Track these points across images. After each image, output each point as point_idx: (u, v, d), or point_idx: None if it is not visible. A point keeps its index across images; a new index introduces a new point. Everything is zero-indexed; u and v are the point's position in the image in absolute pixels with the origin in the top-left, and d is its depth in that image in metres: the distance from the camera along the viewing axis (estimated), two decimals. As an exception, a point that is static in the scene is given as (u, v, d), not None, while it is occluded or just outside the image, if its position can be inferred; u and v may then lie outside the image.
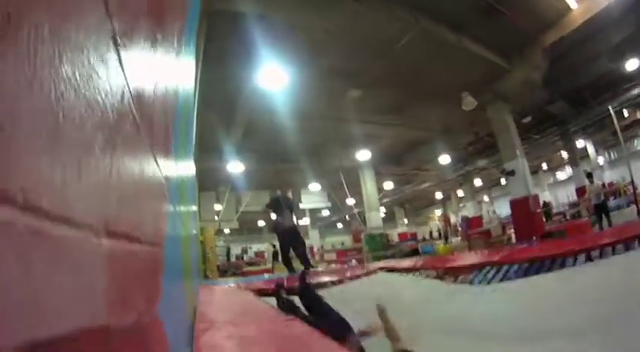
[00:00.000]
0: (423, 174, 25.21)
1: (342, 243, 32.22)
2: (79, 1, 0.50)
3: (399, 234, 30.30)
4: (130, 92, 0.75)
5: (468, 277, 6.33)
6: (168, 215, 1.41)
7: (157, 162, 1.08)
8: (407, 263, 8.91)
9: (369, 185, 19.86)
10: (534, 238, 11.12)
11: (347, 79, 11.72)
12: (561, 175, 32.04)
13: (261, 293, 5.12)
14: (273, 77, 10.10)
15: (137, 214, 0.82)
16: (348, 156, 18.19)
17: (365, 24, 9.35)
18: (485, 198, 36.90)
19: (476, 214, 25.06)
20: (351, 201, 23.91)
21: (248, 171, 17.52)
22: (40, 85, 0.39)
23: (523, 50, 11.81)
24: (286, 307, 4.44)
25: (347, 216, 30.29)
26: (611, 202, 17.81)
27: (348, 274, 7.41)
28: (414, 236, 28.84)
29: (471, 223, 19.89)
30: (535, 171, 26.91)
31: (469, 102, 12.77)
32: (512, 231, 14.21)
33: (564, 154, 24.28)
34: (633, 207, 12.50)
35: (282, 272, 10.68)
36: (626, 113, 18.82)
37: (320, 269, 10.99)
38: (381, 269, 8.19)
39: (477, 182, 31.62)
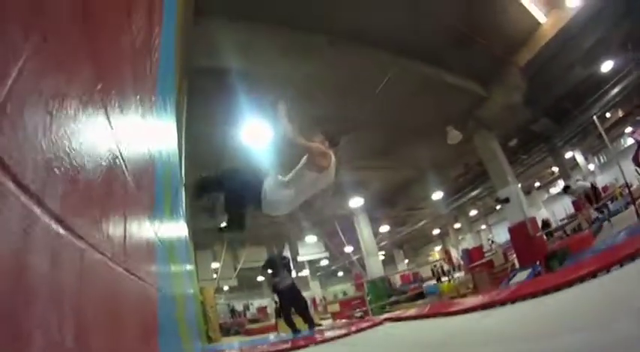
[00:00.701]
0: (417, 213, 25.15)
1: (345, 293, 31.71)
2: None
3: (401, 276, 29.93)
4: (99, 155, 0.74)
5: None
6: (161, 277, 1.36)
7: (146, 224, 1.06)
8: (413, 311, 8.73)
9: (364, 231, 19.75)
10: (538, 263, 10.98)
11: (331, 126, 11.76)
12: (554, 190, 32.06)
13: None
14: (256, 133, 10.12)
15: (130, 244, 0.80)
16: (342, 203, 18.16)
17: (344, 68, 9.50)
18: (483, 227, 36.73)
19: (476, 244, 24.88)
20: (348, 249, 23.73)
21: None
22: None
23: (500, 74, 11.95)
24: None
25: (347, 263, 30.02)
26: (610, 207, 17.77)
27: (354, 328, 7.24)
28: (416, 277, 28.40)
29: (471, 255, 19.68)
30: (528, 191, 26.99)
31: (454, 135, 12.87)
32: (515, 256, 14.05)
33: (555, 169, 24.39)
34: (632, 208, 12.34)
35: (286, 332, 10.44)
36: (608, 114, 18.99)
37: (324, 326, 10.78)
38: (387, 320, 8.02)
39: (473, 212, 31.61)
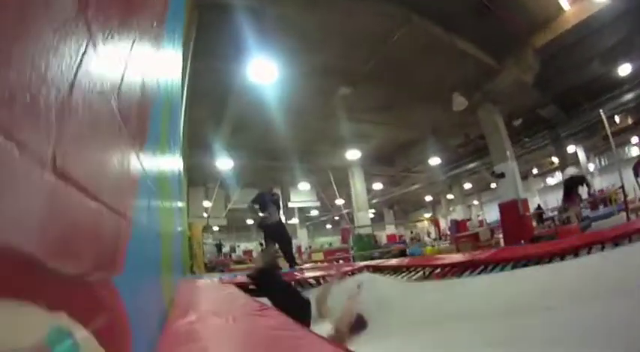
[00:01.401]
0: (412, 175, 25.23)
1: (330, 244, 32.21)
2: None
3: (388, 236, 30.33)
4: (103, 69, 0.75)
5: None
6: (141, 197, 1.37)
7: (131, 143, 1.06)
8: (393, 262, 8.88)
9: (358, 185, 19.85)
10: (522, 242, 11.13)
11: (338, 76, 11.67)
12: (551, 181, 32.16)
13: (242, 286, 5.08)
14: (263, 70, 10.06)
15: (97, 173, 0.79)
16: (338, 155, 18.18)
17: (356, 21, 9.36)
18: (475, 202, 37.03)
19: (466, 217, 25.14)
20: (340, 201, 23.92)
21: (237, 168, 17.47)
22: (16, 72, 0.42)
23: (514, 51, 11.76)
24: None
25: (336, 217, 30.29)
26: (600, 210, 17.89)
27: (333, 272, 7.35)
28: (402, 238, 28.81)
29: (459, 226, 19.93)
30: (525, 176, 27.00)
31: (460, 102, 12.75)
32: (501, 235, 14.23)
33: (555, 159, 24.33)
34: (623, 214, 12.44)
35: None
36: (617, 119, 18.85)
37: (305, 266, 10.92)
38: (367, 268, 8.14)
39: (467, 186, 31.77)
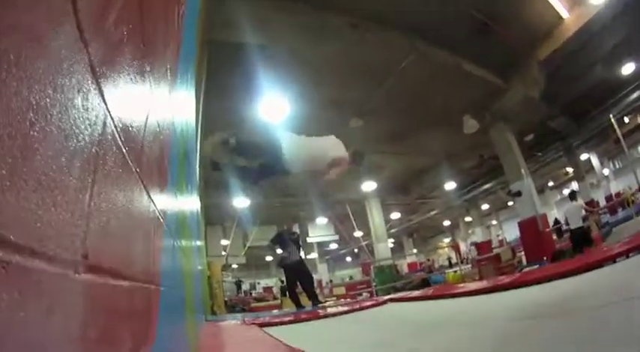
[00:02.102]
0: (429, 202, 25.09)
1: (351, 277, 31.90)
2: (54, 30, 0.48)
3: (409, 264, 30.01)
4: (114, 125, 0.72)
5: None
6: (166, 252, 1.36)
7: (149, 196, 1.04)
8: (417, 293, 8.75)
9: (375, 216, 19.78)
10: (545, 259, 10.93)
11: (348, 108, 11.76)
12: (568, 191, 31.66)
13: (263, 326, 5.02)
14: (275, 108, 10.18)
15: (125, 249, 0.78)
16: (354, 187, 18.17)
17: (364, 51, 9.48)
18: (494, 222, 36.57)
19: (485, 239, 24.84)
20: (358, 233, 23.78)
21: (254, 206, 17.51)
22: (16, 118, 0.37)
23: (519, 67, 11.82)
24: None
25: (355, 249, 30.08)
26: (619, 214, 17.56)
27: (357, 306, 7.26)
28: (423, 266, 28.49)
29: (480, 249, 19.68)
30: (541, 190, 26.68)
31: (471, 125, 12.75)
32: (523, 253, 14.00)
33: (569, 169, 24.07)
34: None
35: (290, 308, 10.51)
36: (626, 119, 18.62)
37: (328, 303, 10.81)
38: (391, 300, 8.02)
39: (485, 206, 31.45)
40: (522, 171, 13.07)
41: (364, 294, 17.01)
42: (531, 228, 12.51)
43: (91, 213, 0.56)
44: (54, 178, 0.44)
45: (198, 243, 5.62)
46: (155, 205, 1.13)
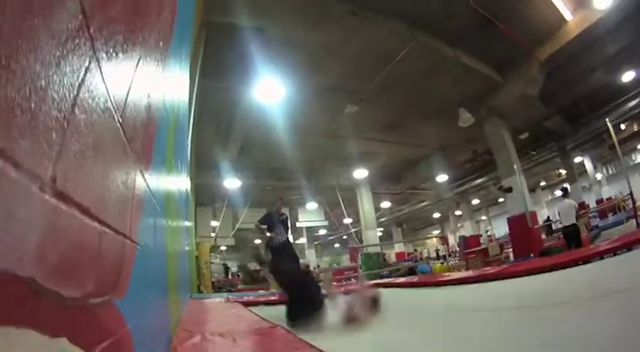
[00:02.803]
0: (420, 193, 25.15)
1: (339, 263, 32.01)
2: (55, 10, 0.50)
3: (397, 254, 30.15)
4: (107, 88, 0.75)
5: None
6: (147, 217, 1.37)
7: (136, 164, 1.06)
8: (402, 280, 8.82)
9: (366, 203, 19.81)
10: (532, 255, 11.01)
11: (344, 95, 11.71)
12: (560, 192, 31.77)
13: (248, 304, 5.06)
14: (270, 90, 10.14)
15: (97, 192, 0.78)
16: (345, 174, 18.19)
17: (362, 39, 9.42)
18: (484, 217, 36.76)
19: (474, 233, 24.96)
20: (348, 220, 23.84)
21: (244, 188, 17.50)
22: (15, 88, 0.41)
23: (518, 64, 11.83)
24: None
25: (344, 236, 30.15)
26: (610, 218, 17.72)
27: (342, 290, 7.31)
28: (411, 256, 28.63)
29: (468, 242, 19.78)
30: (533, 189, 26.84)
31: (466, 118, 12.73)
32: (511, 249, 14.11)
33: (562, 171, 24.18)
34: (633, 221, 12.21)
35: (277, 290, 10.54)
36: (622, 126, 18.71)
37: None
38: (376, 285, 8.08)
39: (475, 201, 31.58)
40: (515, 167, 13.10)
41: (352, 280, 17.10)
42: (520, 224, 12.60)
43: (66, 143, 0.57)
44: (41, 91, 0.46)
45: (186, 222, 5.62)
46: (140, 170, 1.14)
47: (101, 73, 0.73)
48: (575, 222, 9.90)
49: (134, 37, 1.03)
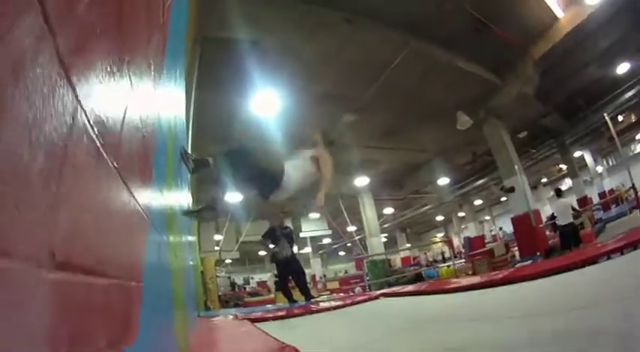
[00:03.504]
0: (422, 197, 25.13)
1: (345, 271, 31.92)
2: (20, 20, 0.46)
3: (402, 259, 30.07)
4: (89, 120, 0.70)
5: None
6: (151, 247, 1.35)
7: (130, 192, 1.02)
8: (410, 287, 8.79)
9: (368, 211, 19.79)
10: (538, 254, 10.98)
11: (341, 104, 11.72)
12: (562, 188, 31.76)
13: (256, 321, 5.04)
14: (266, 103, 10.15)
15: (98, 246, 0.76)
16: (346, 182, 18.17)
17: (357, 47, 9.45)
18: (487, 217, 36.73)
19: (478, 234, 24.93)
20: (351, 228, 23.80)
21: (246, 201, 17.46)
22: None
23: (514, 64, 11.85)
24: None
25: (349, 244, 30.09)
26: (613, 210, 17.70)
27: (349, 301, 7.29)
28: (416, 260, 28.57)
29: (473, 244, 19.75)
30: (535, 186, 26.79)
31: (464, 121, 12.76)
32: (516, 248, 14.07)
33: (563, 166, 24.19)
34: (636, 212, 12.19)
35: (283, 303, 10.52)
36: (620, 118, 18.73)
37: (321, 298, 10.82)
38: (383, 295, 8.05)
39: (478, 202, 31.54)
40: (516, 167, 13.10)
41: (357, 289, 17.04)
42: (524, 224, 12.55)
43: (58, 209, 0.54)
44: (19, 171, 0.43)
45: (190, 238, 5.59)
46: (137, 200, 1.11)
47: (87, 117, 0.69)
48: (572, 220, 9.94)
49: (122, 62, 1.00)
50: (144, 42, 1.37)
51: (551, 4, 10.08)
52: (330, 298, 10.81)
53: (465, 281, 7.38)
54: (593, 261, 5.30)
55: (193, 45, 7.55)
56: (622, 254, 5.18)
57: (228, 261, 29.36)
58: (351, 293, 13.83)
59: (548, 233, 13.25)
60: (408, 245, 35.65)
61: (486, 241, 23.95)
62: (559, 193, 10.83)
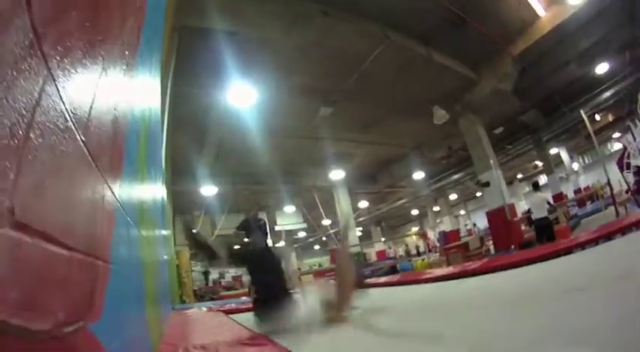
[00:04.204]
0: (397, 191, 25.27)
1: (320, 265, 31.98)
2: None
3: (377, 253, 30.25)
4: (65, 106, 0.70)
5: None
6: (120, 231, 1.32)
7: (100, 172, 1.00)
8: (384, 278, 8.86)
9: (343, 204, 19.84)
10: (513, 247, 11.15)
11: (318, 97, 11.69)
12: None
13: (230, 313, 5.02)
14: (243, 94, 10.05)
15: (63, 217, 0.74)
16: (322, 175, 18.17)
17: (335, 39, 9.39)
18: (462, 212, 37.18)
19: (453, 228, 25.22)
20: (326, 222, 23.82)
21: (222, 194, 17.34)
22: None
23: (492, 60, 11.95)
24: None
25: (324, 237, 30.12)
26: (588, 206, 18.11)
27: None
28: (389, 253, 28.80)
29: (448, 237, 19.98)
30: (510, 181, 27.18)
31: (440, 115, 12.85)
32: (491, 242, 14.26)
33: (539, 163, 24.56)
34: (611, 208, 12.47)
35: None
36: (598, 117, 19.11)
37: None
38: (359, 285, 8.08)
39: (453, 196, 31.88)
40: (491, 161, 13.26)
41: (331, 282, 17.00)
42: (499, 218, 12.73)
43: (22, 171, 0.53)
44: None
45: (164, 231, 5.53)
46: (106, 181, 1.09)
47: (58, 90, 0.68)
48: (547, 215, 10.07)
49: (95, 49, 0.98)
50: (118, 23, 1.34)
51: (533, 3, 10.19)
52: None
53: (439, 271, 7.45)
54: (568, 251, 5.42)
55: (171, 33, 7.43)
56: (597, 244, 5.31)
57: (203, 254, 29.09)
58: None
59: (523, 227, 13.47)
60: (383, 238, 35.88)
61: (461, 235, 24.26)
62: (536, 186, 10.94)
